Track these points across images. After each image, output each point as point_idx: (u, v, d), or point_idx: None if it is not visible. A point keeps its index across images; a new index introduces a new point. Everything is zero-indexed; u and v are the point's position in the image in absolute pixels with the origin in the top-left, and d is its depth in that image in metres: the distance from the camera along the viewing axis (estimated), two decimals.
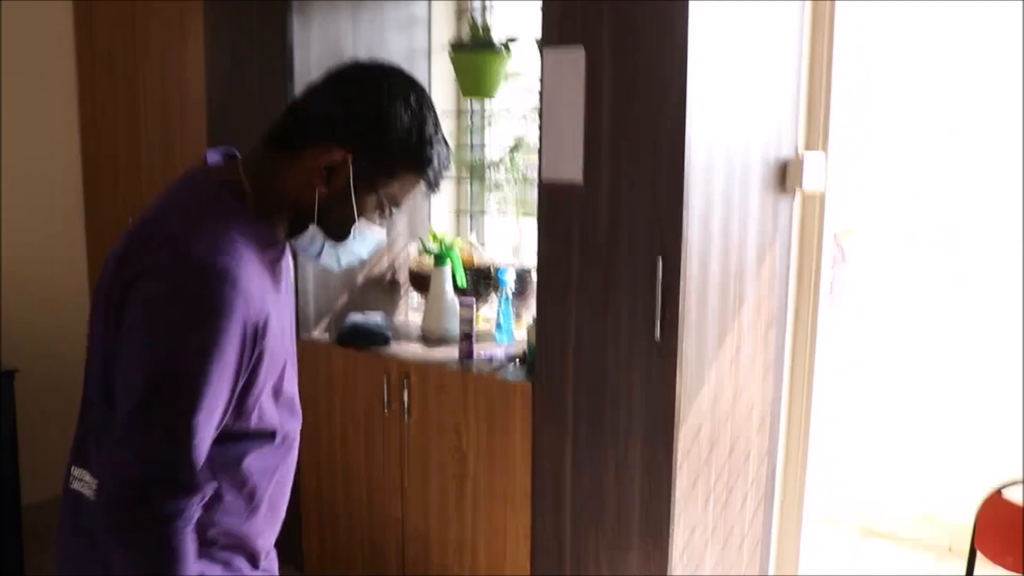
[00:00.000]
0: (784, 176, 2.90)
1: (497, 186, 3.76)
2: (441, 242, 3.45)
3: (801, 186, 2.90)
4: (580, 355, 2.70)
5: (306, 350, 3.39)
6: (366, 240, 1.60)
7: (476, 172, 3.83)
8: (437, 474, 3.06)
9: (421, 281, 3.54)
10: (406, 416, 3.10)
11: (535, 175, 2.95)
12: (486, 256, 3.53)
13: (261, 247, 1.50)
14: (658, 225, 2.50)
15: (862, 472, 4.36)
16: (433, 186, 1.59)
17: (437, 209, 3.88)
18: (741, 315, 2.78)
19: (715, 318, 2.66)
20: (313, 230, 1.55)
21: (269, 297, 1.49)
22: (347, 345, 3.26)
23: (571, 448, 2.75)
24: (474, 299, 3.13)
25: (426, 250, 3.52)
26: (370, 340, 3.24)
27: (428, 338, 3.38)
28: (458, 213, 4.02)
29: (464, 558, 3.05)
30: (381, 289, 3.67)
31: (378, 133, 1.50)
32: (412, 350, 3.22)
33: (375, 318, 3.33)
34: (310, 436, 3.40)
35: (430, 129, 1.54)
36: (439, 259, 3.39)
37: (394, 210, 1.59)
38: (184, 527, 1.41)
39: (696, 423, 2.64)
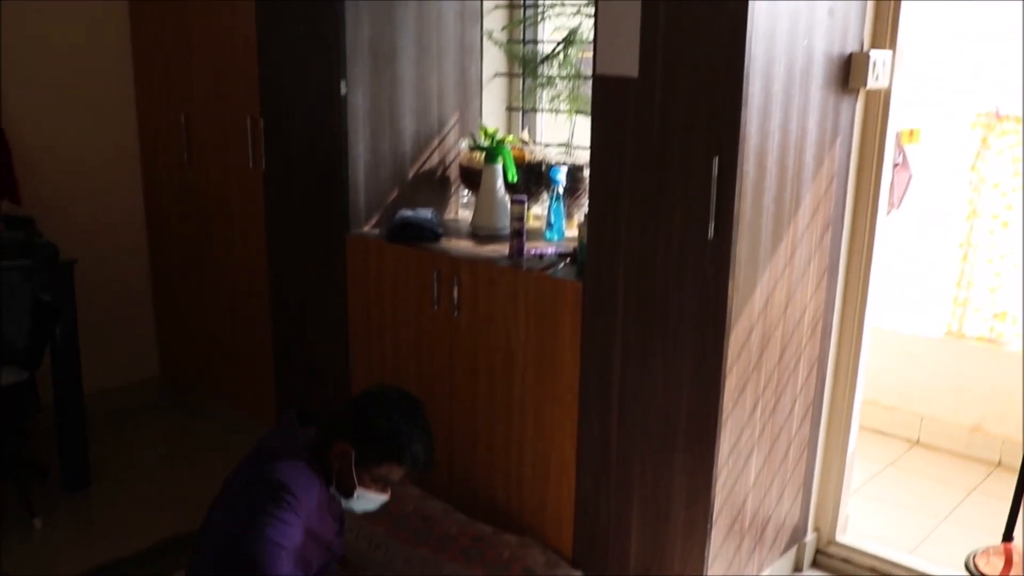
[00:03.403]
0: (848, 74, 2.80)
1: (550, 82, 3.68)
2: (492, 138, 3.40)
3: (865, 85, 2.80)
4: (631, 254, 2.66)
5: (356, 245, 3.40)
6: (367, 500, 2.43)
7: (529, 67, 3.76)
8: (485, 371, 3.08)
9: (472, 177, 3.51)
10: (455, 313, 3.11)
11: (589, 70, 2.88)
12: (538, 153, 3.48)
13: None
14: (715, 121, 2.44)
15: (912, 382, 4.32)
16: (414, 471, 2.42)
17: (489, 105, 3.82)
18: (797, 218, 2.72)
19: (770, 220, 2.61)
20: (333, 490, 2.41)
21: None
22: (397, 241, 3.25)
23: (620, 348, 2.74)
24: (525, 196, 3.10)
25: (477, 146, 3.48)
26: (420, 236, 3.23)
27: (478, 235, 3.37)
28: (510, 109, 3.97)
29: (511, 455, 3.09)
30: (431, 185, 3.65)
31: (368, 436, 2.37)
32: (462, 247, 3.21)
33: (425, 214, 3.31)
34: (361, 329, 3.44)
35: (407, 436, 2.37)
36: (490, 155, 3.35)
37: (388, 484, 2.43)
38: None
39: (747, 326, 2.62)
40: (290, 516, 2.22)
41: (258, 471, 2.34)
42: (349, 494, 2.41)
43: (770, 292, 2.68)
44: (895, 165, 3.81)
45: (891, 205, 3.87)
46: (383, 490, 2.44)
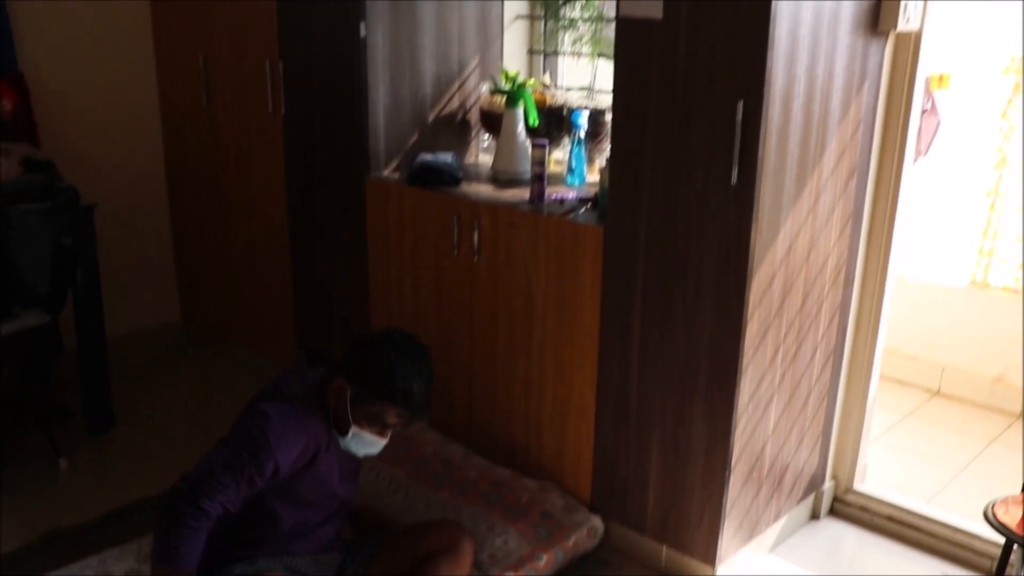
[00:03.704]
0: (877, 16, 2.73)
1: (572, 24, 3.62)
2: (513, 82, 3.36)
3: (895, 28, 2.74)
4: (653, 199, 2.64)
5: (375, 189, 3.38)
6: (364, 442, 2.41)
7: (550, 9, 3.70)
8: (505, 316, 3.08)
9: (492, 121, 3.48)
10: (475, 257, 3.09)
11: (612, 12, 2.83)
12: (559, 97, 3.44)
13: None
14: (740, 65, 2.39)
15: (935, 332, 4.29)
16: (406, 411, 2.38)
17: (510, 48, 3.77)
18: (822, 163, 2.69)
19: (794, 165, 2.57)
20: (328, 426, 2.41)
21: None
22: (417, 185, 3.24)
23: (640, 293, 2.72)
24: (546, 141, 3.06)
25: (498, 90, 3.44)
26: (440, 180, 3.21)
27: (498, 179, 3.34)
28: (531, 52, 3.92)
29: (530, 400, 3.10)
30: (452, 129, 3.62)
31: (363, 372, 2.36)
32: (482, 191, 3.19)
33: (445, 158, 3.29)
34: (381, 274, 3.44)
35: (402, 374, 2.34)
36: (511, 99, 3.31)
37: (389, 428, 2.41)
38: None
39: (769, 272, 2.59)
40: (256, 450, 2.24)
41: (250, 406, 2.38)
42: (344, 432, 2.40)
43: (793, 238, 2.66)
44: (923, 111, 3.74)
45: (918, 152, 3.82)
46: (380, 433, 2.42)
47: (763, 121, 2.39)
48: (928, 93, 3.97)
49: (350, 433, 2.39)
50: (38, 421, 3.59)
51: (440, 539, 2.55)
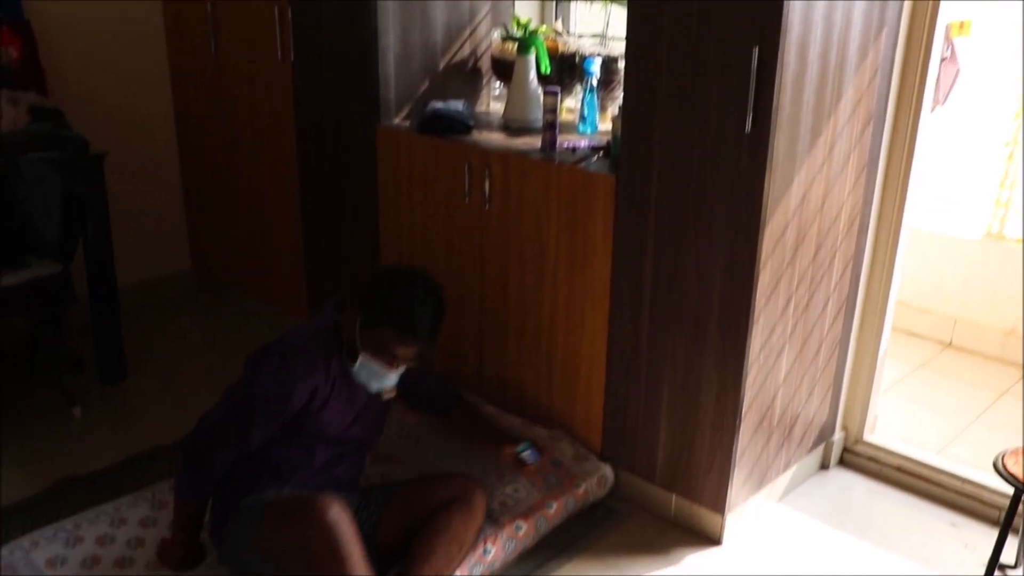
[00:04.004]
0: None
1: None
2: (525, 28, 3.32)
3: None
4: (666, 148, 2.61)
5: (386, 137, 3.36)
6: (372, 371, 2.44)
7: None
8: (516, 265, 3.06)
9: (504, 69, 3.44)
10: (486, 206, 3.07)
11: None
12: (571, 44, 3.39)
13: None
14: (756, 10, 2.35)
15: (948, 284, 4.26)
16: (406, 336, 2.38)
17: None
18: (838, 112, 2.65)
19: (810, 113, 2.54)
20: (348, 362, 2.47)
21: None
22: (428, 133, 3.21)
23: (652, 242, 2.71)
24: (558, 88, 3.03)
25: (510, 37, 3.39)
26: (451, 128, 3.18)
27: (510, 127, 3.31)
28: None
29: (541, 349, 3.10)
30: (463, 77, 3.58)
31: (370, 301, 2.41)
32: (493, 139, 3.17)
33: (456, 106, 3.25)
34: (391, 222, 3.43)
35: (403, 299, 2.38)
36: (523, 46, 3.27)
37: (395, 358, 2.41)
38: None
39: (782, 222, 2.57)
40: (265, 395, 2.38)
41: (259, 350, 2.46)
42: (354, 359, 2.44)
43: (807, 188, 2.63)
44: (943, 59, 3.69)
45: (936, 101, 3.78)
46: (389, 364, 2.43)
47: (779, 68, 2.35)
48: (948, 40, 3.90)
49: (359, 362, 2.43)
50: (51, 370, 3.61)
51: (453, 490, 2.55)
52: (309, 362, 2.41)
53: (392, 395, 2.55)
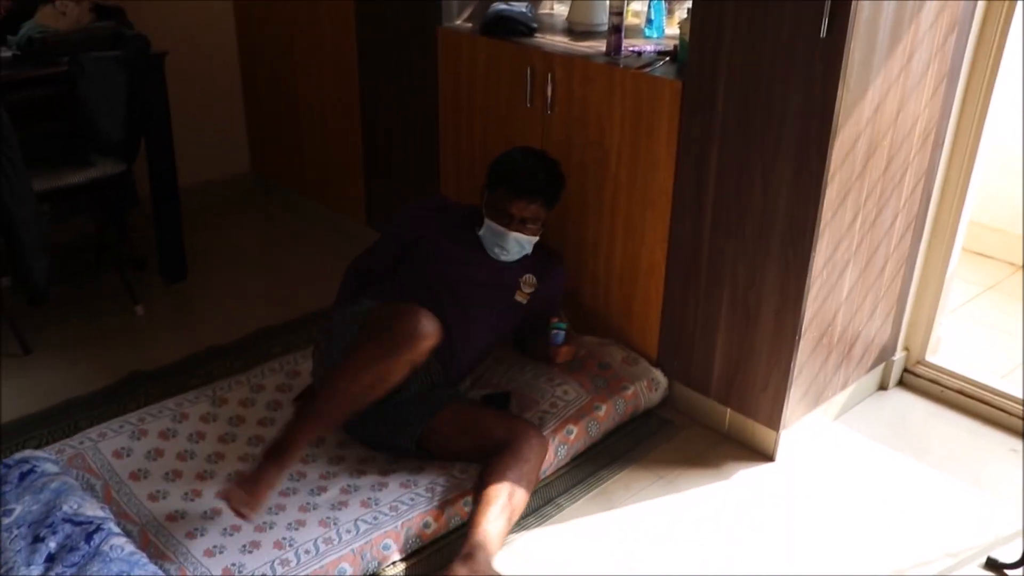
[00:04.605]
0: None
1: None
2: None
3: None
4: (736, 53, 2.52)
5: (448, 39, 3.30)
6: (492, 232, 2.78)
7: None
8: (577, 171, 3.02)
9: None
10: (548, 111, 3.02)
11: None
12: None
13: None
14: None
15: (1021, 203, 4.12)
16: (510, 191, 2.75)
17: None
18: (920, 17, 2.53)
19: (889, 17, 2.43)
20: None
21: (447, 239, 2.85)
22: (490, 35, 3.15)
23: (718, 151, 2.64)
24: None
25: None
26: (514, 30, 3.11)
27: (574, 31, 3.23)
28: None
29: (599, 257, 3.07)
30: None
31: (491, 171, 2.84)
32: (557, 42, 3.09)
33: (520, 7, 3.18)
34: (452, 126, 3.39)
35: (510, 160, 2.83)
36: None
37: (510, 217, 2.76)
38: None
39: (854, 133, 2.49)
40: (390, 224, 3.02)
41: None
42: (481, 223, 2.80)
43: (881, 98, 2.53)
44: None
45: None
46: (505, 224, 2.76)
47: None
48: None
49: (484, 224, 2.79)
50: (115, 268, 3.67)
51: (509, 433, 2.54)
52: (440, 207, 2.93)
53: (524, 299, 2.83)
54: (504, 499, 2.39)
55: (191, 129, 4.20)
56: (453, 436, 2.59)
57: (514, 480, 2.43)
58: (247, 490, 2.25)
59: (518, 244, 2.78)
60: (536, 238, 2.83)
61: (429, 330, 2.44)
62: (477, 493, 2.43)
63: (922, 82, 2.67)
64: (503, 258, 2.80)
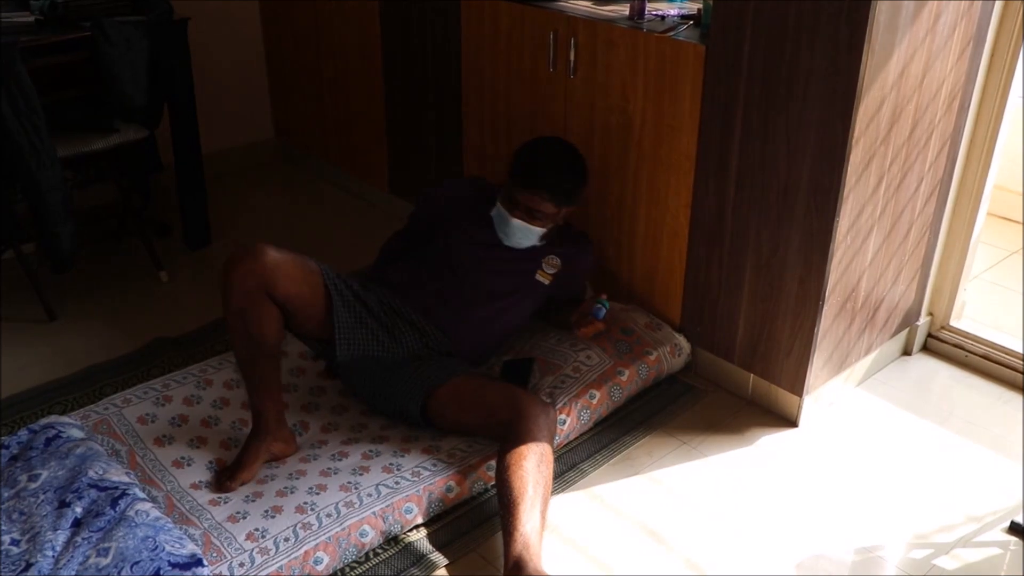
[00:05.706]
0: None
1: None
2: None
3: None
4: (760, 16, 2.50)
5: (470, 4, 3.28)
6: (502, 218, 2.76)
7: None
8: (600, 136, 3.01)
9: None
10: (571, 75, 3.00)
11: None
12: None
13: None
14: None
15: None
16: (526, 186, 2.69)
17: None
18: None
19: None
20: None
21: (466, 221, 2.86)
22: None
23: (742, 115, 2.62)
24: None
25: None
26: None
27: None
28: None
29: (623, 222, 3.06)
30: None
31: (512, 160, 2.78)
32: (580, 6, 3.07)
33: None
34: (474, 91, 3.38)
35: (527, 154, 2.76)
36: None
37: (518, 205, 2.72)
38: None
39: (879, 96, 2.46)
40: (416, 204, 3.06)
41: None
42: (493, 204, 2.80)
43: (907, 61, 2.51)
44: None
45: None
46: (509, 209, 2.74)
47: None
48: None
49: (496, 207, 2.77)
50: (139, 235, 3.69)
51: (512, 411, 2.46)
52: (477, 187, 2.93)
53: (546, 280, 2.85)
54: (530, 491, 2.29)
55: (214, 95, 4.21)
56: (456, 410, 2.57)
57: (533, 466, 2.33)
58: (229, 475, 2.46)
59: (520, 231, 2.75)
60: (543, 230, 2.77)
61: (239, 254, 2.47)
62: (501, 497, 2.32)
63: (948, 45, 2.64)
64: (506, 242, 2.79)
